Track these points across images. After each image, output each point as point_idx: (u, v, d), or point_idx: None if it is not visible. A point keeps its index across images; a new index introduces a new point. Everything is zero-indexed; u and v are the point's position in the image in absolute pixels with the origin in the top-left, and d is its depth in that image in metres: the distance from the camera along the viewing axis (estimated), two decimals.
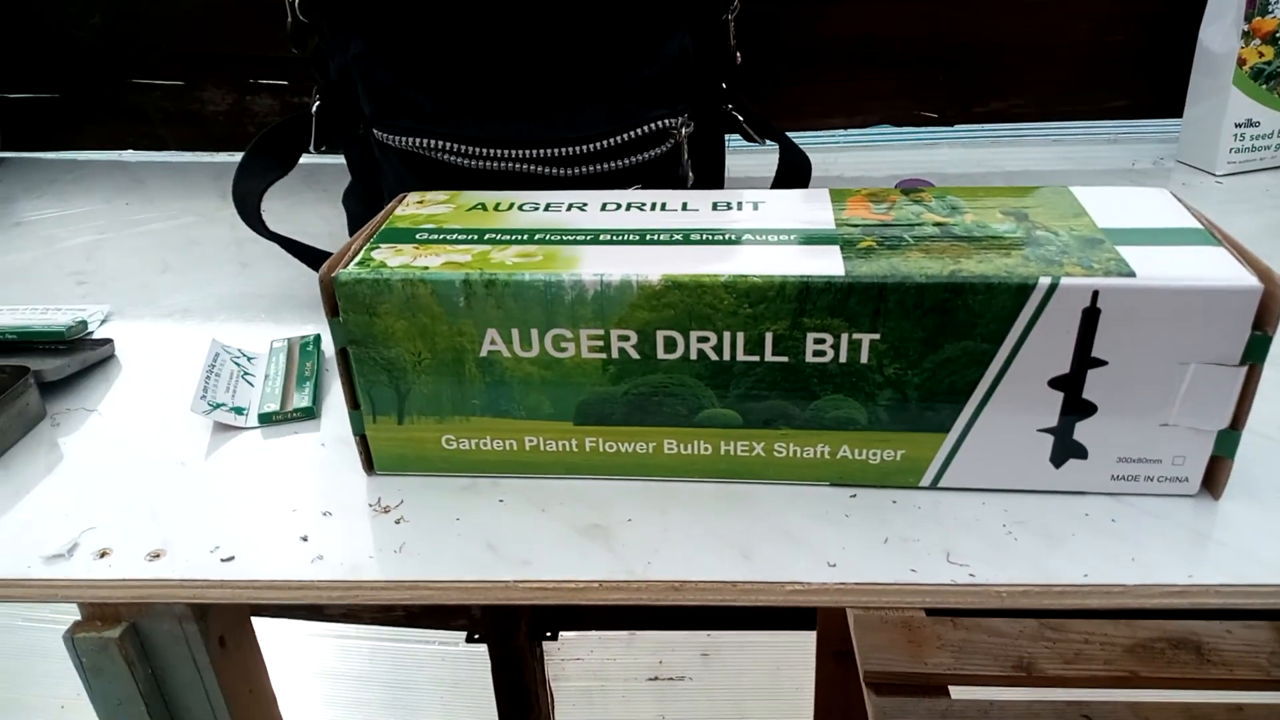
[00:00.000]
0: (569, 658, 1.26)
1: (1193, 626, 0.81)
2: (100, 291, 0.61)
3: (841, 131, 0.81)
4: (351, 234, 0.63)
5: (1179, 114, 0.75)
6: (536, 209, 0.43)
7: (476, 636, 1.19)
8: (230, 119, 0.84)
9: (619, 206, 0.43)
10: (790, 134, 0.67)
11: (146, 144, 0.86)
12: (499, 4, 0.50)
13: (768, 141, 0.64)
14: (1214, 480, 0.38)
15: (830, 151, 0.80)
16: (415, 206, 0.44)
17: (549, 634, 1.22)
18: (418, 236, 0.40)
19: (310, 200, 0.73)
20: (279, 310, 0.57)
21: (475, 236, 0.40)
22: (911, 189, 0.43)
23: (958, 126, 0.80)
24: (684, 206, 0.42)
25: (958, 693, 0.76)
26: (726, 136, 0.65)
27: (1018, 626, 0.80)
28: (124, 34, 0.82)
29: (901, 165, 0.77)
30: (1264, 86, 0.69)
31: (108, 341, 0.52)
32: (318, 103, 0.60)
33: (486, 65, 0.52)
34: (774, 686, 1.27)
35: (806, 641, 1.01)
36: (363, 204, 0.60)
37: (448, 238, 0.40)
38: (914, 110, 0.80)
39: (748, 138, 0.64)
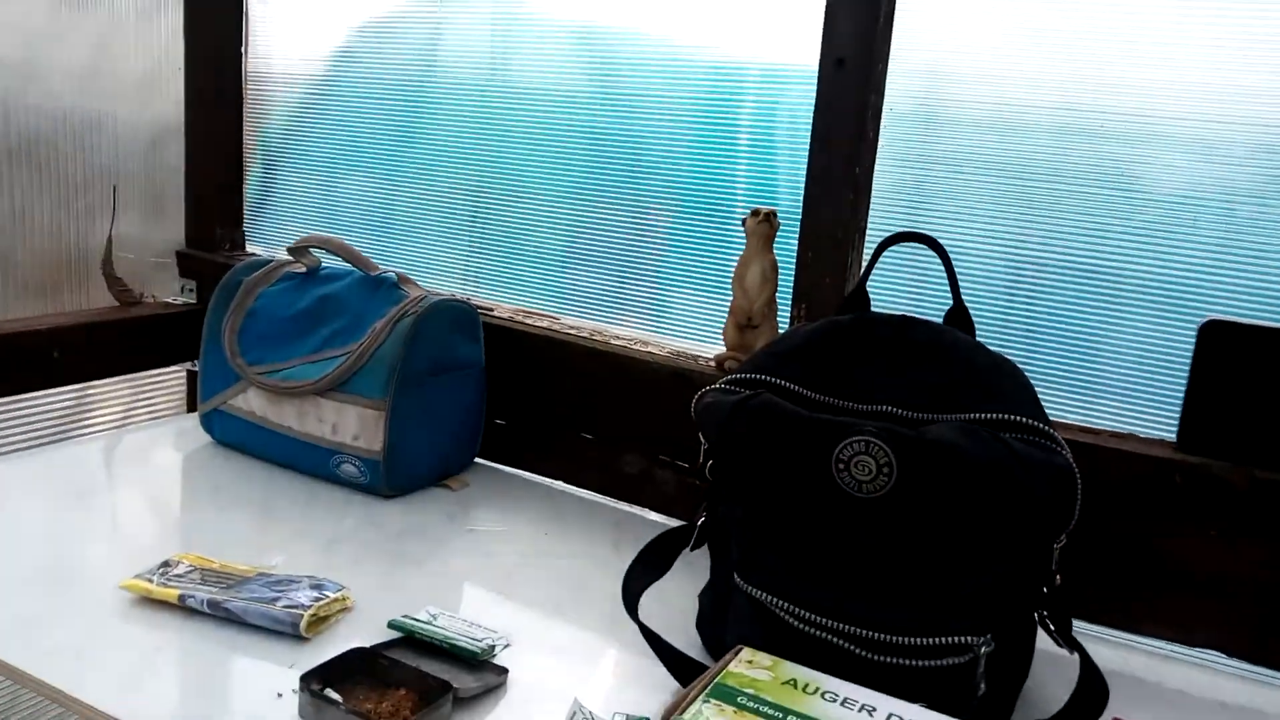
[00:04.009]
0: None
1: None
2: (510, 613, 0.80)
3: (1167, 643, 0.84)
4: (697, 625, 0.78)
5: None
6: (835, 700, 0.54)
7: None
8: (638, 479, 1.06)
9: None
10: (1113, 631, 0.73)
11: (575, 480, 1.11)
12: (854, 512, 0.65)
13: (1075, 652, 0.70)
14: None
15: (1151, 658, 0.83)
16: (745, 666, 0.57)
17: None
18: (739, 700, 0.54)
19: (679, 571, 0.90)
20: (634, 674, 0.73)
21: (780, 717, 0.52)
22: None
23: None
24: None
25: None
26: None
27: None
28: (591, 403, 1.09)
29: (1222, 693, 0.78)
30: None
31: (504, 671, 0.71)
32: (702, 519, 0.78)
33: (832, 550, 0.66)
34: None
35: None
36: (712, 609, 0.76)
37: (761, 709, 0.53)
38: (1251, 647, 0.81)
39: (1055, 641, 0.71)
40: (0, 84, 1.22)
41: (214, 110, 1.40)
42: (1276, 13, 0.82)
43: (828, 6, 0.93)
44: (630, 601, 0.73)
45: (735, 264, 0.99)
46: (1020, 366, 0.75)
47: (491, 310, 1.19)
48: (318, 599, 0.76)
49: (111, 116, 1.36)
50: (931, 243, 0.80)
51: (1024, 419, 0.68)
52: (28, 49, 1.24)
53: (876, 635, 0.63)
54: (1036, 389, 0.73)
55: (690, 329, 1.12)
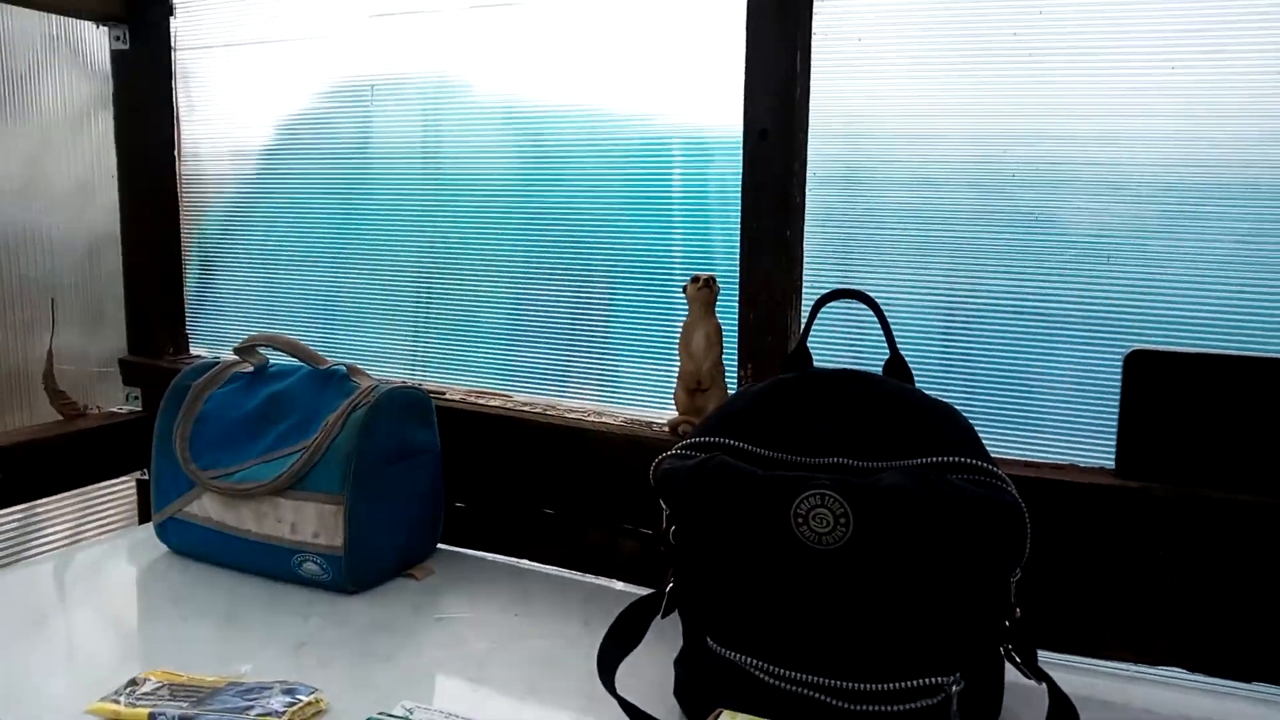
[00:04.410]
0: None
1: None
2: (486, 700, 0.80)
3: (1130, 664, 0.86)
4: (675, 693, 0.79)
5: None
6: None
7: None
8: (604, 551, 1.07)
9: None
10: (1077, 658, 0.75)
11: (540, 557, 1.11)
12: (817, 565, 0.67)
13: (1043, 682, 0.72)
14: None
15: (1117, 680, 0.85)
16: None
17: None
18: None
19: (652, 640, 0.90)
20: None
21: None
22: None
23: (1254, 683, 0.82)
24: None
25: None
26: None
27: None
28: (550, 478, 1.10)
29: (1187, 708, 0.80)
30: None
31: None
32: (670, 585, 0.79)
33: (799, 604, 0.67)
34: None
35: None
36: (687, 674, 0.76)
37: None
38: (1210, 660, 0.83)
39: (1022, 673, 0.73)
40: None
41: (149, 215, 1.40)
42: (1166, 61, 0.88)
43: (746, 84, 0.98)
44: (607, 676, 0.73)
45: (680, 330, 1.02)
46: (960, 408, 0.77)
47: (443, 393, 1.19)
48: (291, 704, 0.75)
49: (45, 229, 1.36)
50: (864, 298, 0.83)
51: (968, 460, 0.71)
52: None
53: (849, 684, 0.64)
54: (977, 428, 0.76)
55: (642, 397, 1.14)
